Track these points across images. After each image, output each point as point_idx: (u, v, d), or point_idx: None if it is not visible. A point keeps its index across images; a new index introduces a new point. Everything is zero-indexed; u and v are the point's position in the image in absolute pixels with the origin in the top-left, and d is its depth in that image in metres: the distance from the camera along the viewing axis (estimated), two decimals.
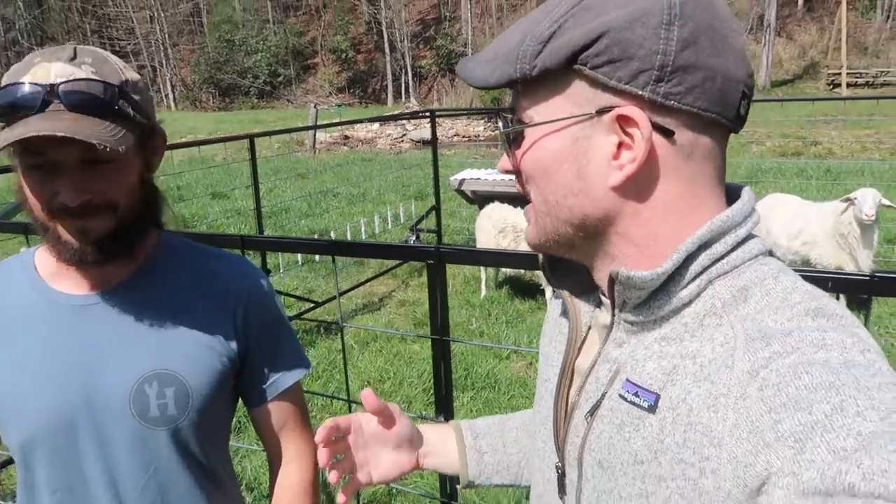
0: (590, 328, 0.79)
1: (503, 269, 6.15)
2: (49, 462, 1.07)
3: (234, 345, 1.15)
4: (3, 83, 0.95)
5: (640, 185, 0.66)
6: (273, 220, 9.49)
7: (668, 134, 0.64)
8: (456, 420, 1.07)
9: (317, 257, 7.33)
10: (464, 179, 7.27)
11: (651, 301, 0.67)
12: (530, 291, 6.14)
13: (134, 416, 1.06)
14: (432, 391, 4.32)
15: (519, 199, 6.62)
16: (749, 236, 0.68)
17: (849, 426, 0.50)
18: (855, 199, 4.91)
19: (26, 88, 0.94)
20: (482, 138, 19.48)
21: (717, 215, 0.66)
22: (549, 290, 5.49)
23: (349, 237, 7.72)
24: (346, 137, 19.34)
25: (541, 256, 0.81)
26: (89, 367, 1.06)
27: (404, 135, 19.53)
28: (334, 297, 6.09)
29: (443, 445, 1.02)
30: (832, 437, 0.50)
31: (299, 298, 5.97)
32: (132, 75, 1.04)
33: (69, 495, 1.08)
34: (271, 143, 17.05)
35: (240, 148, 12.23)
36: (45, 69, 0.95)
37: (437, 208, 7.79)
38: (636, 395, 0.66)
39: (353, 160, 15.27)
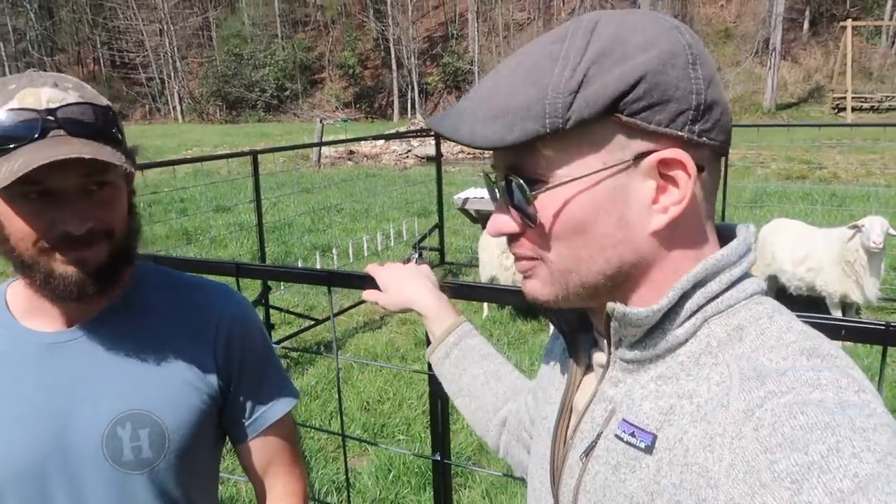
0: (588, 366, 0.78)
1: None
2: None
3: (214, 380, 1.10)
4: None
5: (678, 227, 0.66)
6: (276, 235, 9.47)
7: (701, 171, 0.65)
8: (464, 319, 1.17)
9: None
10: (468, 198, 7.26)
11: (647, 339, 0.67)
12: (532, 312, 6.10)
13: (107, 461, 1.01)
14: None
15: None
16: (744, 275, 0.68)
17: (845, 467, 0.50)
18: (862, 226, 4.87)
19: (23, 115, 0.90)
20: (486, 156, 19.50)
21: (713, 254, 0.66)
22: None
23: (351, 254, 7.69)
24: (352, 153, 19.38)
25: None
26: (60, 409, 1.01)
27: (409, 151, 19.56)
28: (334, 315, 6.04)
29: (437, 326, 1.16)
30: (829, 479, 0.50)
31: (299, 316, 5.93)
32: (107, 101, 1.01)
33: None
34: (276, 158, 17.09)
35: (244, 162, 12.26)
36: (34, 95, 0.92)
37: (440, 226, 7.77)
38: (633, 435, 0.65)
39: (357, 176, 15.28)
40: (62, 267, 0.96)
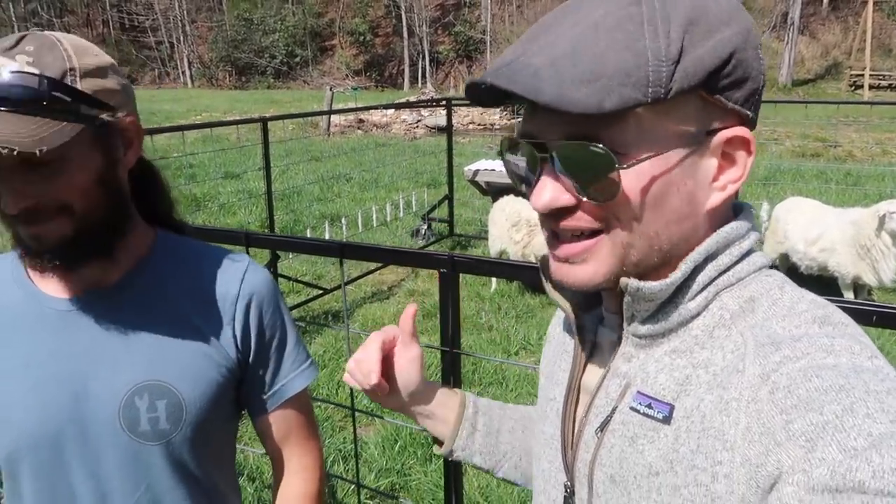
0: (594, 345, 0.78)
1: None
2: (35, 477, 1.01)
3: (233, 352, 1.08)
4: None
5: (724, 205, 0.67)
6: (285, 203, 9.43)
7: None
8: (464, 390, 1.02)
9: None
10: (478, 170, 7.20)
11: (660, 313, 0.68)
12: (541, 286, 6.06)
13: (124, 431, 1.00)
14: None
15: None
16: (751, 249, 0.69)
17: (859, 426, 0.51)
18: (892, 212, 4.78)
19: None
20: (497, 127, 19.35)
21: (721, 228, 0.67)
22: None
23: (361, 224, 7.67)
24: (361, 121, 19.26)
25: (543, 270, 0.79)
26: (77, 377, 1.00)
27: (419, 120, 19.43)
28: (339, 287, 6.04)
29: (443, 411, 0.97)
30: (843, 437, 0.51)
31: (307, 285, 5.93)
32: (88, 61, 0.92)
33: None
34: (285, 125, 16.99)
35: (254, 129, 12.18)
36: None
37: (449, 198, 7.72)
38: (649, 406, 0.66)
39: (367, 145, 15.20)
40: (28, 240, 0.94)
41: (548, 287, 0.78)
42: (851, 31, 31.15)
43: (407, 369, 0.93)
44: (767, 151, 13.30)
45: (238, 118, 11.04)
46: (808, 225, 5.43)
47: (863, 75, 26.51)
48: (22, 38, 0.90)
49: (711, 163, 0.65)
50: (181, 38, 48.04)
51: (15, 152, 0.81)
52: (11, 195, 0.89)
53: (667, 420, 0.64)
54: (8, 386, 0.99)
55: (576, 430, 0.75)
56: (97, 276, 1.03)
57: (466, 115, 19.78)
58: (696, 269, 0.66)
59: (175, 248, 1.11)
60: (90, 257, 0.97)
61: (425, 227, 7.77)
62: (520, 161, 0.70)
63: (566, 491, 0.76)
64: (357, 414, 3.89)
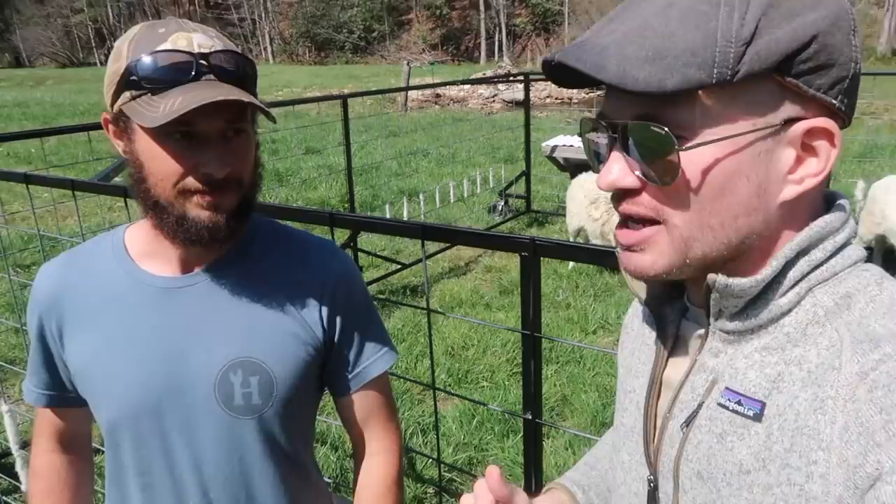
0: (676, 338, 0.75)
1: (594, 240, 5.98)
2: (135, 445, 1.07)
3: (320, 334, 1.11)
4: (146, 50, 0.93)
5: (803, 199, 0.63)
6: (364, 178, 9.56)
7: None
8: (558, 482, 0.99)
9: (405, 217, 7.36)
10: (556, 146, 7.10)
11: (749, 309, 0.65)
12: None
13: (219, 404, 1.05)
14: (516, 361, 4.31)
15: None
16: (846, 242, 0.66)
17: None
18: None
19: (178, 57, 0.92)
20: (576, 101, 18.99)
21: (814, 222, 0.64)
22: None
23: (438, 199, 7.70)
24: (438, 96, 19.26)
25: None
26: (176, 352, 1.04)
27: (496, 95, 19.28)
28: (419, 261, 6.10)
29: None
30: None
31: (386, 259, 6.01)
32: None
33: (154, 479, 1.08)
34: (364, 101, 17.17)
35: (333, 104, 12.37)
36: (187, 39, 0.94)
37: (527, 174, 7.65)
38: (739, 403, 0.64)
39: (443, 119, 15.20)
40: (196, 210, 0.98)
41: (626, 277, 0.75)
42: None
43: None
44: (864, 126, 12.53)
45: (318, 94, 11.21)
46: None
47: None
48: (196, 24, 0.98)
49: (788, 154, 0.61)
50: (263, 15, 49.08)
51: (271, 117, 0.96)
52: (220, 161, 0.96)
53: (758, 417, 0.63)
54: (112, 360, 1.05)
55: (658, 425, 0.74)
56: (199, 256, 1.07)
57: (544, 90, 19.48)
58: (788, 265, 0.63)
59: (269, 230, 1.15)
60: (232, 233, 1.01)
61: (502, 203, 7.73)
62: (598, 139, 0.69)
63: (650, 485, 0.75)
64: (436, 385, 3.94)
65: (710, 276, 0.63)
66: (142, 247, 1.09)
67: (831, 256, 0.64)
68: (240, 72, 0.97)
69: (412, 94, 18.11)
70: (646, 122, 0.61)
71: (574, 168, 6.91)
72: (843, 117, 0.62)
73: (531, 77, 8.02)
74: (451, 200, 8.03)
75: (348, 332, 1.15)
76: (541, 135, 9.90)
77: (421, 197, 7.51)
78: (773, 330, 0.64)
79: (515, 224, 7.64)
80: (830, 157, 0.61)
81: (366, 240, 6.59)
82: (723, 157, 0.60)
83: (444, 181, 8.80)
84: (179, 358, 1.04)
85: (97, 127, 3.91)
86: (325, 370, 1.16)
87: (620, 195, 0.65)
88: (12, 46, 62.24)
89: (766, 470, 0.61)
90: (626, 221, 0.66)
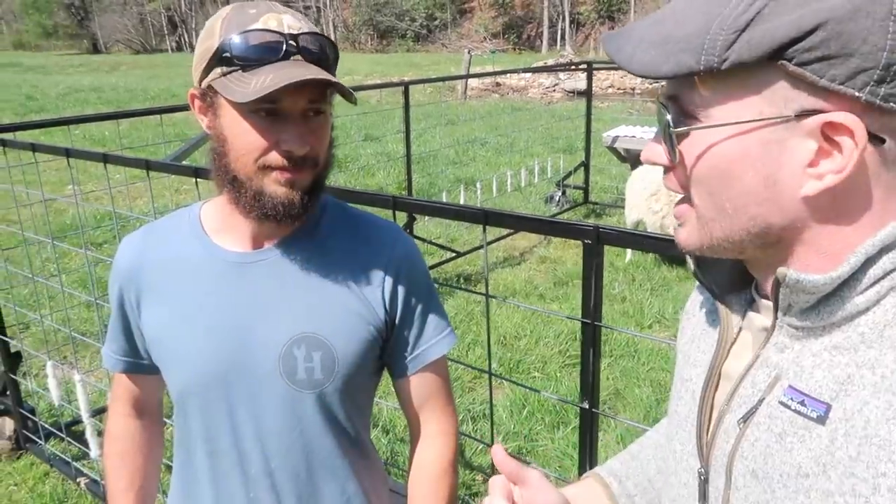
0: (741, 329, 0.73)
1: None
2: (202, 413, 1.12)
3: (382, 314, 1.14)
4: (239, 29, 0.97)
5: (836, 196, 0.60)
6: (421, 166, 9.62)
7: (879, 142, 0.57)
8: (594, 471, 0.99)
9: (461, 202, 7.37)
10: (617, 136, 7.00)
11: (821, 306, 0.62)
12: (678, 259, 5.86)
13: (282, 377, 1.08)
14: (568, 353, 4.29)
15: None
16: None
17: None
18: None
19: (269, 37, 0.96)
20: (638, 91, 18.64)
21: None
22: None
23: (495, 189, 7.69)
24: (498, 84, 19.17)
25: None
26: (244, 325, 1.09)
27: (556, 84, 19.06)
28: (476, 249, 6.12)
29: None
30: None
31: (441, 247, 6.05)
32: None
33: (220, 445, 1.13)
34: (424, 89, 17.22)
35: (393, 92, 12.45)
36: (277, 20, 0.98)
37: (586, 164, 7.57)
38: (802, 403, 0.62)
39: (503, 109, 15.13)
40: (273, 186, 1.01)
41: (691, 265, 0.77)
42: None
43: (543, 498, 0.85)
44: None
45: (378, 81, 11.28)
46: None
47: None
48: (261, 3, 1.02)
49: (807, 146, 0.58)
50: (327, 3, 49.61)
51: (352, 98, 1.00)
52: (301, 139, 0.99)
53: (821, 420, 0.60)
54: (184, 329, 1.10)
55: (714, 417, 0.73)
56: (269, 232, 1.11)
57: (606, 79, 19.18)
58: (868, 262, 0.60)
59: (335, 211, 1.18)
60: (305, 210, 1.05)
61: (560, 193, 7.67)
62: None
63: (700, 478, 0.74)
64: (485, 374, 3.97)
65: (780, 270, 0.61)
66: (216, 222, 1.13)
67: None
68: (324, 54, 1.00)
69: (472, 82, 18.07)
70: (669, 103, 0.64)
71: (635, 159, 6.80)
72: (875, 108, 0.56)
73: (594, 66, 7.90)
74: (508, 190, 8.01)
75: (410, 314, 1.17)
76: (602, 125, 9.78)
77: (478, 186, 7.51)
78: (847, 329, 0.62)
79: (572, 215, 7.57)
80: (854, 154, 0.56)
81: (421, 227, 6.64)
82: (720, 141, 0.61)
83: (501, 170, 8.78)
84: (246, 331, 1.09)
85: (168, 110, 4.07)
86: (386, 350, 1.18)
87: (665, 170, 0.69)
88: (90, 33, 64.74)
89: (826, 476, 0.59)
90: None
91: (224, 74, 0.97)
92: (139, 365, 1.23)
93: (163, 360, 1.14)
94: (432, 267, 5.76)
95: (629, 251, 6.00)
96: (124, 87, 22.99)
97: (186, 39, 61.77)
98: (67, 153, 2.58)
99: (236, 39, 0.96)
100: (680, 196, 0.69)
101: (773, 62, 0.56)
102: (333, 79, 0.97)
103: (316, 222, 1.15)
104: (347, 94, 1.01)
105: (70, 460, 3.16)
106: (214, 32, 0.99)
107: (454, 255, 5.89)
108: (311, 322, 1.09)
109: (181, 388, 1.13)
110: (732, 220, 0.63)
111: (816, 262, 0.63)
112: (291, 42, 0.97)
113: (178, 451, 1.19)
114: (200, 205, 1.19)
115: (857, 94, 0.55)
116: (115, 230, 2.98)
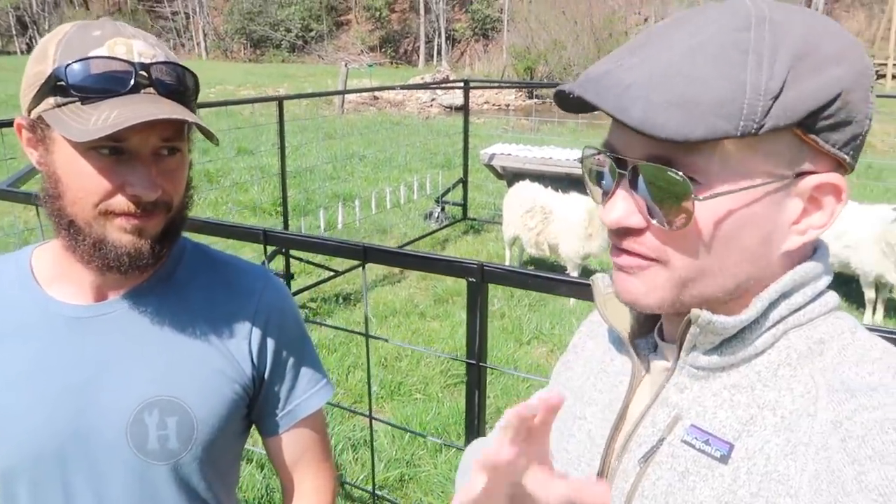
0: (646, 370, 0.74)
1: (528, 249, 6.00)
2: (33, 494, 0.95)
3: (248, 369, 1.02)
4: (79, 54, 0.82)
5: (802, 248, 0.64)
6: (297, 181, 9.36)
7: None
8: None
9: (340, 225, 7.23)
10: (494, 154, 7.12)
11: (724, 347, 0.65)
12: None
13: (130, 448, 0.94)
14: (450, 373, 4.26)
15: (549, 179, 6.45)
16: (825, 290, 0.67)
17: None
18: None
19: (116, 66, 0.83)
20: (512, 108, 19.16)
21: (798, 266, 0.64)
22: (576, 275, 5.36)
23: (374, 205, 7.59)
24: (375, 98, 19.13)
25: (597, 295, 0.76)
26: (84, 389, 0.94)
27: (434, 99, 19.26)
28: (355, 267, 5.98)
29: None
30: None
31: (319, 266, 5.88)
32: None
33: None
34: (299, 102, 16.87)
35: (268, 105, 12.08)
36: (126, 45, 0.84)
37: (464, 181, 7.64)
38: (706, 442, 0.64)
39: (381, 123, 15.07)
40: (117, 234, 0.88)
41: (602, 310, 0.75)
42: (876, 20, 30.58)
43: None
44: None
45: (252, 92, 10.93)
46: None
47: (886, 65, 26.05)
48: (134, 29, 0.89)
49: (796, 205, 0.62)
50: (197, 9, 47.78)
51: (215, 140, 0.88)
52: (150, 183, 0.87)
53: (724, 459, 0.62)
54: (11, 397, 0.93)
55: (612, 459, 0.72)
56: (115, 283, 0.97)
57: (481, 95, 19.58)
58: (770, 307, 0.64)
59: (195, 255, 1.06)
60: (155, 259, 0.92)
61: (439, 210, 7.69)
62: (599, 168, 0.68)
63: None
64: (367, 399, 3.86)
65: (694, 311, 0.63)
66: (50, 271, 0.97)
67: (810, 302, 0.65)
68: (182, 86, 0.89)
69: (349, 96, 17.90)
70: (663, 166, 0.60)
71: (511, 176, 6.95)
72: (849, 168, 0.63)
73: (470, 84, 8.02)
74: (388, 206, 7.95)
75: (280, 368, 1.06)
76: (478, 141, 9.92)
77: (356, 202, 7.39)
78: (745, 369, 0.65)
79: (452, 231, 7.61)
80: (835, 211, 0.61)
81: None
82: (737, 208, 0.60)
83: (380, 186, 8.70)
84: (87, 396, 0.94)
85: (9, 124, 3.68)
86: (254, 408, 1.07)
87: (622, 232, 0.65)
88: None
89: None
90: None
91: (58, 105, 0.83)
92: None
93: None
94: (310, 287, 5.58)
95: (507, 259, 6.08)
96: None
97: (38, 42, 57.35)
98: None
99: (75, 67, 0.82)
100: (619, 242, 0.65)
101: (791, 128, 0.58)
102: (191, 118, 0.85)
103: (172, 269, 1.01)
104: (208, 135, 0.89)
105: None
106: (48, 56, 0.84)
107: (332, 273, 5.73)
108: (166, 383, 0.95)
109: (7, 467, 0.95)
110: (715, 280, 0.63)
111: (726, 305, 0.65)
112: (142, 73, 0.84)
113: None
114: (31, 249, 1.02)
115: (846, 157, 0.61)
116: None
